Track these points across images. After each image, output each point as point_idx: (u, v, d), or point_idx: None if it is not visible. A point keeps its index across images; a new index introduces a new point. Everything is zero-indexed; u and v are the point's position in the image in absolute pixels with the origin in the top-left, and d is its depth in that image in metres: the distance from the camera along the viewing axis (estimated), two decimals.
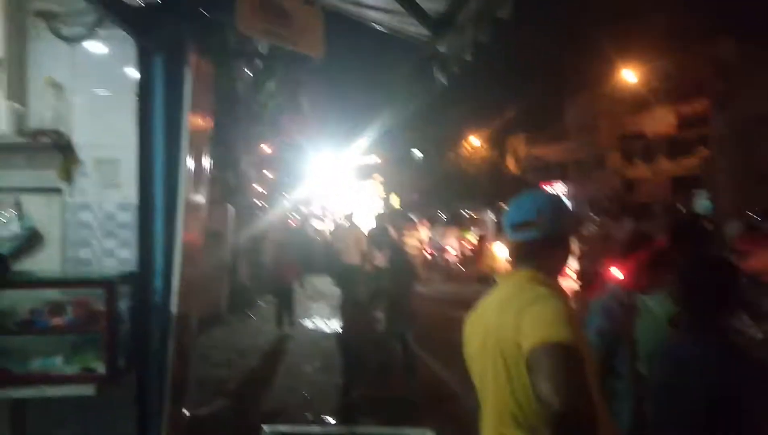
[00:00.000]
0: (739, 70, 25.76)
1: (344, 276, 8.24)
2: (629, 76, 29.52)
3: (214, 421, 4.14)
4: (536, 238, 1.80)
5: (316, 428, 2.37)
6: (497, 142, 43.75)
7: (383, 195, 19.21)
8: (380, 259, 9.19)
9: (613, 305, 2.84)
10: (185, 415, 3.83)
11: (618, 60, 29.42)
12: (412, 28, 3.99)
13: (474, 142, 43.14)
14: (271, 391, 6.28)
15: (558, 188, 39.44)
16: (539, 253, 1.82)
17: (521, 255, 1.86)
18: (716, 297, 2.18)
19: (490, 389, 1.77)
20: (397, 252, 7.77)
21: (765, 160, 25.68)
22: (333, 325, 9.51)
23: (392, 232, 10.28)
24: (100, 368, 3.00)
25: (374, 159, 26.64)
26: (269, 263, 11.52)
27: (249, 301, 11.15)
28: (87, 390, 2.90)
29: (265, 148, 19.70)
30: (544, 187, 40.07)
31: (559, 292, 1.78)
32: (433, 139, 42.73)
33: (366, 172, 21.61)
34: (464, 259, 16.93)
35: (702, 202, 26.64)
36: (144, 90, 3.52)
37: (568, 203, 1.92)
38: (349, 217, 12.72)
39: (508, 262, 1.97)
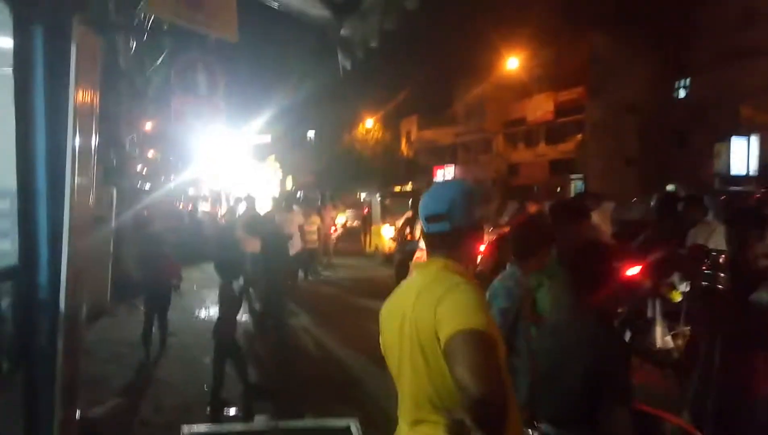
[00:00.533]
0: (610, 61, 27.91)
1: (225, 263, 7.05)
2: (512, 63, 31.05)
3: (109, 421, 3.88)
4: (448, 231, 1.85)
5: (237, 426, 2.28)
6: (390, 125, 44.40)
7: (280, 176, 18.67)
8: (252, 245, 9.17)
9: (511, 285, 2.98)
10: (77, 416, 3.57)
11: (502, 48, 30.83)
12: (313, 9, 3.92)
13: (368, 124, 43.45)
14: (165, 387, 6.01)
15: (448, 171, 40.93)
16: (452, 243, 1.87)
17: (435, 245, 1.91)
18: (593, 279, 2.42)
19: (407, 376, 1.81)
20: (272, 237, 7.79)
21: (631, 146, 28.16)
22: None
23: (275, 216, 10.34)
24: None
25: (268, 138, 25.99)
26: (140, 258, 10.08)
27: (135, 290, 10.54)
28: None
29: (149, 126, 18.56)
30: (435, 169, 41.45)
31: (472, 279, 1.84)
32: (327, 121, 42.53)
33: (261, 153, 20.94)
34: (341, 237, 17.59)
35: (576, 184, 28.77)
36: (22, 64, 3.16)
37: (479, 191, 1.97)
38: (240, 200, 12.38)
39: (421, 249, 2.02)
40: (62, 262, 3.06)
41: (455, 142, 41.66)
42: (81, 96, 3.25)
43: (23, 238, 3.17)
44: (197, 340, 7.62)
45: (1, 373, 2.82)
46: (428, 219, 1.90)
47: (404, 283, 1.97)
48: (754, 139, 21.49)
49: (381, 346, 2.00)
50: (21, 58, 3.20)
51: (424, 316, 1.73)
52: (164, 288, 7.37)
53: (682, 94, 28.09)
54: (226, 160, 15.90)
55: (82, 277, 3.52)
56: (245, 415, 5.28)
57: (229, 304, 5.76)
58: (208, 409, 5.22)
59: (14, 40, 3.15)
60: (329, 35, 3.82)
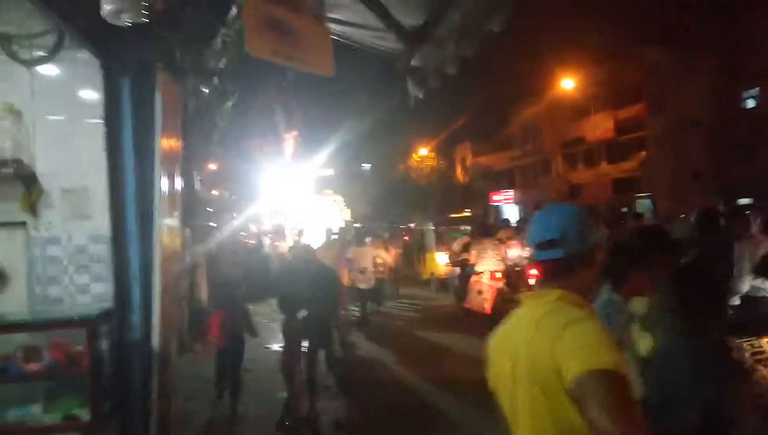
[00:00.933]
0: (668, 74, 27.06)
1: (286, 297, 6.58)
2: (567, 84, 30.53)
3: None
4: (561, 258, 1.76)
5: None
6: (445, 152, 44.37)
7: (342, 208, 18.60)
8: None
9: (612, 311, 2.80)
10: None
11: (557, 69, 30.43)
12: (383, 42, 3.95)
13: (422, 152, 43.57)
14: (243, 422, 6.05)
15: (506, 195, 40.41)
16: (565, 272, 1.77)
17: (547, 274, 1.81)
18: (704, 303, 2.31)
19: (525, 415, 1.70)
20: (320, 270, 7.77)
21: (697, 160, 27.01)
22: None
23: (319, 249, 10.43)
24: (84, 415, 2.78)
25: (332, 172, 26.11)
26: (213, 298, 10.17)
27: (209, 324, 10.77)
28: None
29: (213, 167, 19.24)
30: (492, 195, 41.02)
31: (592, 313, 1.73)
32: (382, 152, 42.91)
33: (321, 186, 21.15)
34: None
35: (643, 203, 27.75)
36: (111, 113, 3.32)
37: (589, 215, 1.88)
38: (300, 234, 12.57)
39: (534, 280, 1.93)
40: (154, 303, 3.15)
41: (511, 165, 41.18)
42: (166, 141, 3.38)
43: (117, 281, 3.29)
44: (271, 374, 7.67)
45: (101, 414, 2.89)
46: (539, 246, 1.80)
47: (514, 315, 1.88)
48: None
49: (489, 381, 1.91)
50: (110, 108, 3.37)
51: (541, 352, 1.62)
52: (237, 336, 6.91)
53: (750, 104, 26.84)
54: (289, 194, 16.14)
55: (171, 316, 3.61)
56: None
57: (290, 337, 5.82)
58: None
59: (104, 92, 3.33)
60: (398, 65, 3.84)
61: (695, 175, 26.76)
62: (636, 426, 1.37)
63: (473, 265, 10.28)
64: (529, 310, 1.79)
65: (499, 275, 10.02)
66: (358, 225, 19.99)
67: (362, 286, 11.03)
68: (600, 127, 31.92)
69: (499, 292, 9.76)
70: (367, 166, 47.01)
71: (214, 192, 24.75)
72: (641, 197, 28.36)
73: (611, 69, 29.75)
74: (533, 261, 1.86)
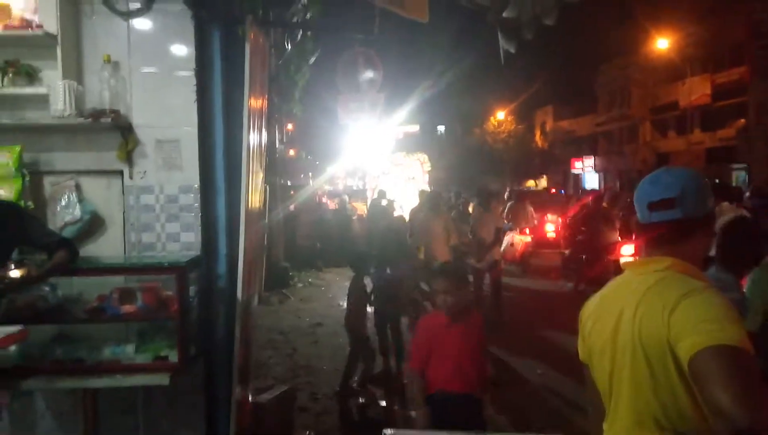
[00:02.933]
0: None
1: (355, 257, 6.49)
2: (662, 44, 28.56)
3: (274, 406, 4.05)
4: (679, 219, 1.60)
5: (440, 432, 2.23)
6: (524, 116, 43.03)
7: (428, 170, 17.23)
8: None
9: (738, 297, 2.48)
10: (251, 401, 3.76)
11: (650, 27, 28.47)
12: None
13: (500, 116, 42.46)
14: (318, 374, 6.22)
15: (587, 162, 38.81)
16: (679, 238, 1.60)
17: (659, 239, 1.64)
18: None
19: (625, 390, 1.60)
20: (387, 232, 7.65)
21: None
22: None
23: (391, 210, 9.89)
24: (173, 356, 2.91)
25: (417, 128, 24.58)
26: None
27: (285, 280, 11.13)
28: (161, 379, 2.81)
29: (290, 126, 19.46)
30: (573, 161, 39.50)
31: (710, 284, 1.57)
32: (458, 115, 42.15)
33: (401, 146, 20.17)
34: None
35: (739, 175, 25.95)
36: (202, 66, 3.37)
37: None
38: (382, 195, 12.51)
39: (640, 246, 1.77)
40: (239, 254, 3.23)
41: (595, 131, 39.33)
42: (253, 95, 3.40)
43: (205, 231, 3.40)
44: (343, 330, 7.83)
45: (188, 357, 3.02)
46: (652, 206, 1.63)
47: (613, 284, 1.76)
48: None
49: (581, 352, 1.80)
50: (201, 61, 3.42)
51: (651, 323, 1.50)
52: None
53: None
54: (371, 154, 15.84)
55: (254, 267, 3.71)
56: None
57: (357, 297, 5.85)
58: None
59: (195, 43, 3.37)
60: (489, 16, 3.63)
61: None
62: (761, 408, 1.25)
63: (510, 223, 11.95)
64: (636, 277, 1.65)
65: (527, 232, 12.68)
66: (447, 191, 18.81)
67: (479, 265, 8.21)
68: (695, 91, 29.73)
69: (527, 245, 12.47)
70: (442, 128, 46.36)
71: (292, 152, 25.16)
72: (737, 169, 26.51)
73: (711, 27, 27.51)
74: (642, 223, 1.69)
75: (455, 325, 3.15)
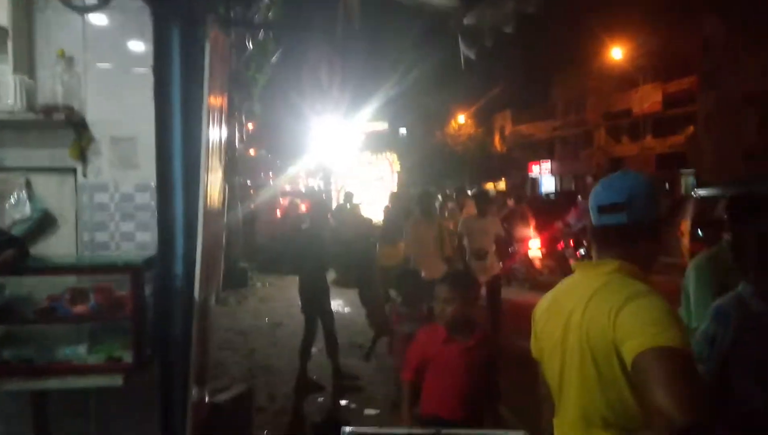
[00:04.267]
0: (725, 47, 25.82)
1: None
2: (616, 53, 29.45)
3: (231, 407, 4.02)
4: (626, 224, 1.68)
5: (401, 430, 2.19)
6: (483, 120, 43.62)
7: (397, 170, 16.51)
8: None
9: (730, 306, 2.22)
10: (207, 401, 3.72)
11: (605, 37, 29.33)
12: None
13: (460, 119, 42.95)
14: (276, 374, 6.19)
15: (545, 166, 39.65)
16: (628, 241, 1.67)
17: (606, 242, 1.71)
18: None
19: (574, 388, 1.67)
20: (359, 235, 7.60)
21: (750, 139, 25.91)
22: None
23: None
24: (126, 357, 2.86)
25: (385, 126, 23.28)
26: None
27: (244, 280, 11.02)
28: (114, 380, 2.77)
29: (251, 126, 19.20)
30: (531, 165, 40.29)
31: (655, 287, 1.63)
32: (419, 117, 42.40)
33: (372, 144, 19.13)
34: None
35: (688, 180, 26.91)
36: (161, 63, 3.32)
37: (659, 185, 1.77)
38: (349, 197, 12.29)
39: (591, 248, 1.83)
40: (197, 253, 3.19)
41: (552, 136, 40.23)
42: (213, 94, 3.37)
43: (161, 230, 3.35)
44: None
45: (143, 358, 2.97)
46: (601, 209, 1.70)
47: (564, 284, 1.82)
48: None
49: (533, 350, 1.87)
50: (159, 58, 3.37)
51: (598, 325, 1.57)
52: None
53: None
54: (335, 153, 15.39)
55: (212, 267, 3.67)
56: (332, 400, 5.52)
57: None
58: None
59: (154, 40, 3.32)
60: (450, 23, 3.71)
61: (747, 155, 25.71)
62: (700, 409, 1.32)
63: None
64: (585, 279, 1.72)
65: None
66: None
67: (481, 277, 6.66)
68: (648, 99, 30.78)
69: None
70: (403, 130, 46.56)
71: (252, 151, 24.84)
72: (686, 174, 27.51)
73: (663, 38, 28.52)
74: (594, 226, 1.76)
75: (456, 342, 2.81)
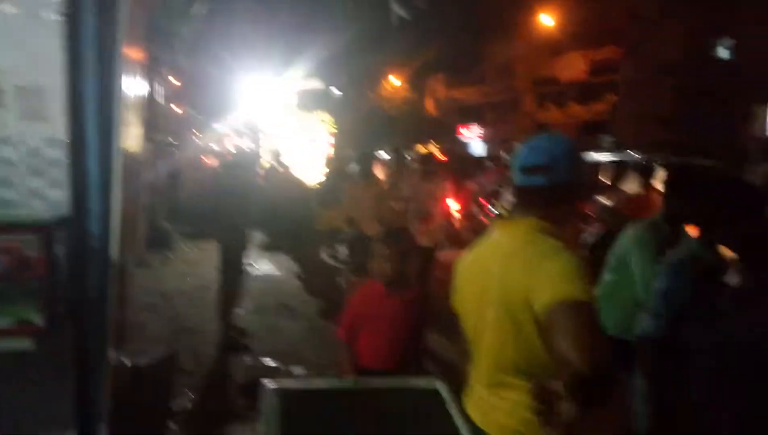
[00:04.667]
0: (648, 19, 26.83)
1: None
2: (546, 20, 30.00)
3: (153, 369, 3.95)
4: (547, 185, 1.74)
5: (321, 382, 2.22)
6: (417, 83, 43.63)
7: (332, 131, 15.69)
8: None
9: (687, 260, 2.24)
10: (126, 364, 3.63)
11: (535, 4, 29.78)
12: None
13: (395, 82, 42.76)
14: (202, 336, 6.11)
15: (473, 130, 40.34)
16: (547, 201, 1.75)
17: (527, 202, 1.79)
18: None
19: (489, 339, 1.75)
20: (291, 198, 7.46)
21: (666, 107, 27.31)
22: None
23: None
24: (37, 320, 2.73)
25: (318, 84, 22.24)
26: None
27: (168, 242, 10.70)
28: (24, 344, 2.63)
29: (176, 81, 18.28)
30: (459, 128, 40.87)
31: (569, 244, 1.72)
32: (352, 78, 41.87)
33: (305, 104, 18.16)
34: None
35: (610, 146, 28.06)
36: (74, 9, 3.08)
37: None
38: (276, 157, 12.04)
39: (505, 208, 1.90)
40: (113, 212, 3.05)
41: (482, 101, 40.90)
42: (130, 44, 3.18)
43: (75, 188, 3.16)
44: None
45: (55, 320, 2.84)
46: (524, 170, 1.77)
47: (485, 241, 1.88)
48: None
49: (454, 303, 1.94)
50: (73, 3, 3.13)
51: (514, 280, 1.64)
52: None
53: (722, 54, 26.96)
54: (266, 111, 14.72)
55: (131, 227, 3.53)
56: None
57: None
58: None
59: None
60: None
61: (663, 123, 27.09)
62: (600, 357, 1.41)
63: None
64: (504, 237, 1.79)
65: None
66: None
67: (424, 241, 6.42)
68: (573, 67, 31.74)
69: None
70: (336, 91, 45.95)
71: (177, 108, 23.68)
72: (608, 141, 28.69)
73: (589, 6, 29.29)
74: (515, 187, 1.82)
75: (393, 297, 2.91)
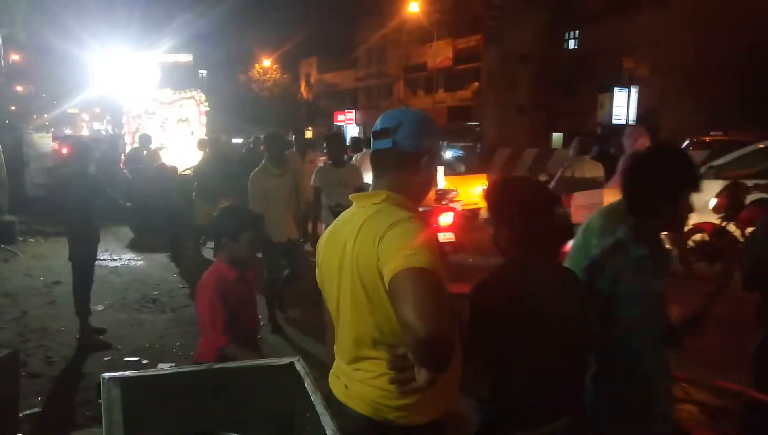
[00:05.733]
0: (506, 9, 28.44)
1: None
2: (414, 7, 30.82)
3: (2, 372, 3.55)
4: (391, 150, 1.76)
5: (166, 368, 2.08)
6: (289, 66, 42.94)
7: (205, 110, 14.31)
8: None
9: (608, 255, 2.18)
10: None
11: None
12: None
13: (265, 63, 41.74)
14: (55, 336, 5.61)
15: (349, 116, 40.58)
16: (395, 169, 1.78)
17: (379, 169, 1.82)
18: None
19: (348, 312, 1.75)
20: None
21: (523, 95, 29.23)
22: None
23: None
24: None
25: (190, 58, 20.13)
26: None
27: (11, 235, 9.67)
28: None
29: (16, 57, 16.45)
30: (336, 114, 40.92)
31: (418, 215, 1.76)
32: (220, 59, 40.31)
33: (173, 82, 15.81)
34: None
35: (475, 132, 29.56)
36: None
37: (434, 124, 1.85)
38: (145, 141, 11.04)
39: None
40: None
41: (356, 86, 41.23)
42: None
43: None
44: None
45: None
46: (374, 134, 1.80)
47: (344, 215, 1.88)
48: (634, 91, 23.09)
49: (318, 280, 1.92)
50: None
51: (365, 250, 1.65)
52: None
53: (571, 45, 29.29)
54: (127, 89, 13.38)
55: None
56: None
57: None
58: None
59: None
60: None
61: (520, 109, 28.98)
62: (443, 324, 1.45)
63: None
64: (359, 209, 1.80)
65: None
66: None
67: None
68: (440, 54, 32.94)
69: None
70: (203, 72, 44.02)
71: (20, 87, 21.37)
72: (472, 127, 30.20)
73: None
74: (371, 153, 1.85)
75: (244, 279, 2.91)
